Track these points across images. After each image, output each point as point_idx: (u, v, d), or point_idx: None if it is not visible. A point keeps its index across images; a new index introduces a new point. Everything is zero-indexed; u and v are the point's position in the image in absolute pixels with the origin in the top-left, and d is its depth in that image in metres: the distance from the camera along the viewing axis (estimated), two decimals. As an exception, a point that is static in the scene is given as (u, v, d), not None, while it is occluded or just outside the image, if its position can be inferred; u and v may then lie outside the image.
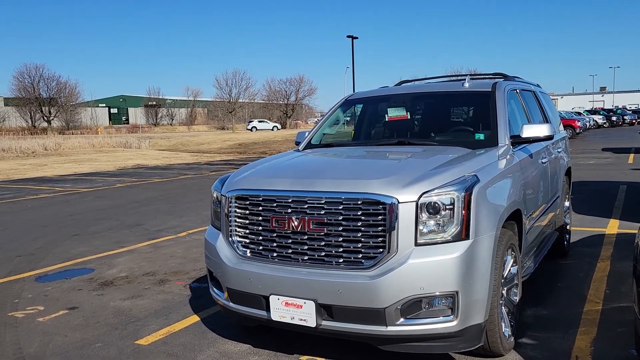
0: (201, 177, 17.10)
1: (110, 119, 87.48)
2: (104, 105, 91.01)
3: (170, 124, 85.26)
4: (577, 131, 33.48)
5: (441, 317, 3.10)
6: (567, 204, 6.19)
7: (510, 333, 3.61)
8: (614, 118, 50.55)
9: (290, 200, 3.35)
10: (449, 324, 3.09)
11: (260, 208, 3.48)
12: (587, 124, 41.09)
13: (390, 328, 3.10)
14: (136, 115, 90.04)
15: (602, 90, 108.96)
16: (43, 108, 65.99)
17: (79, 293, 5.29)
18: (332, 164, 4.17)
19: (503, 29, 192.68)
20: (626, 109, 65.96)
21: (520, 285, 3.88)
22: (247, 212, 3.55)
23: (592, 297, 4.61)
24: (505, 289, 3.64)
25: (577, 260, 5.76)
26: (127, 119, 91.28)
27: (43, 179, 17.46)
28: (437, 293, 3.06)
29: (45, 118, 66.15)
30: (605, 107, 70.53)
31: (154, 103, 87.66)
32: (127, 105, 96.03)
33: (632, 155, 18.82)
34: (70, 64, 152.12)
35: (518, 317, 3.85)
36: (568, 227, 6.21)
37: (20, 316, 4.66)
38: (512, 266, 3.71)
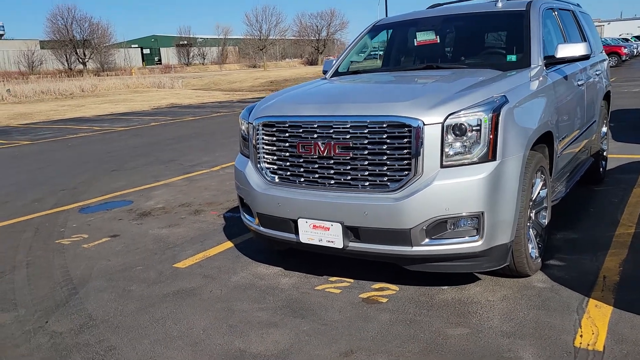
0: (233, 114, 17.19)
1: (143, 60, 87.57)
2: (137, 46, 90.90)
3: (202, 64, 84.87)
4: (623, 58, 31.86)
5: (466, 237, 3.14)
6: (604, 129, 6.00)
7: (537, 255, 3.64)
8: (664, 44, 47.57)
9: (316, 126, 3.37)
10: (474, 244, 3.13)
11: (287, 134, 3.51)
12: (635, 50, 38.90)
13: (415, 248, 3.16)
14: (168, 55, 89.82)
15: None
16: (77, 50, 66.56)
17: (120, 222, 5.54)
18: (358, 89, 4.14)
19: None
20: (679, 34, 61.85)
21: (550, 208, 3.86)
22: (274, 138, 3.59)
23: (625, 221, 4.56)
24: (534, 211, 3.63)
25: (612, 187, 5.65)
26: (160, 60, 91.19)
27: (81, 119, 17.91)
28: (463, 214, 3.08)
29: (81, 60, 66.81)
30: (656, 33, 66.21)
31: (186, 42, 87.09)
32: (159, 46, 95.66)
33: (681, 82, 17.88)
34: (101, 4, 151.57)
35: (546, 239, 3.85)
36: (605, 153, 6.05)
37: (66, 243, 4.94)
38: (541, 189, 3.68)
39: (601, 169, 5.85)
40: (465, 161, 3.10)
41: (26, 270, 4.31)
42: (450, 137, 3.09)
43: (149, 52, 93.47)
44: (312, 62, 77.46)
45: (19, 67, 64.31)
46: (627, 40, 42.63)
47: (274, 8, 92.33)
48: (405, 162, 3.13)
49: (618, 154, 7.06)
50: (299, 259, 4.13)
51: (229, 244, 4.66)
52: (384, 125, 3.16)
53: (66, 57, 67.09)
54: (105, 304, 3.60)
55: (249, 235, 4.71)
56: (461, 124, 3.08)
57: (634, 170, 6.28)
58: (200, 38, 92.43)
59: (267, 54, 79.38)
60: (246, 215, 3.99)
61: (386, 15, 36.92)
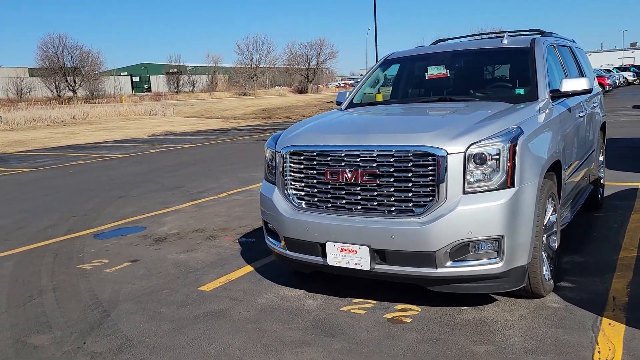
0: (230, 142, 17.42)
1: (132, 87, 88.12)
2: (126, 73, 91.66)
3: (192, 91, 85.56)
4: (607, 89, 32.81)
5: (487, 260, 3.35)
6: (601, 158, 6.31)
7: (550, 277, 3.85)
8: (644, 75, 49.10)
9: (343, 154, 3.59)
10: (495, 266, 3.34)
11: (315, 162, 3.72)
12: (617, 81, 40.13)
13: (439, 270, 3.36)
14: (158, 83, 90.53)
15: (633, 46, 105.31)
16: (68, 78, 66.81)
17: (137, 248, 5.67)
18: (380, 120, 4.39)
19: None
20: (657, 65, 63.80)
21: (559, 232, 4.09)
22: (302, 166, 3.80)
23: (627, 245, 4.80)
24: (545, 235, 3.86)
25: (611, 213, 5.92)
26: (150, 87, 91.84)
27: (78, 147, 18.00)
28: (484, 237, 3.29)
29: (70, 87, 66.99)
30: (636, 64, 68.31)
31: (175, 70, 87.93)
32: (148, 73, 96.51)
33: (664, 112, 18.50)
34: (92, 33, 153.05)
35: (557, 262, 4.07)
36: (602, 181, 6.34)
37: (88, 268, 5.06)
38: (551, 214, 3.92)
39: (599, 196, 6.12)
40: (485, 188, 3.33)
41: (53, 294, 4.42)
42: (471, 166, 3.33)
43: (138, 80, 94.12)
44: (301, 91, 78.36)
45: (7, 94, 64.32)
46: (609, 71, 43.97)
47: (265, 37, 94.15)
48: (430, 188, 3.36)
49: (613, 182, 7.36)
50: (321, 282, 4.29)
51: (249, 268, 4.81)
52: (410, 154, 3.39)
53: (56, 84, 67.26)
54: (139, 325, 3.73)
55: (268, 259, 4.88)
56: (482, 153, 3.32)
57: (629, 197, 6.58)
58: (190, 66, 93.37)
59: (257, 82, 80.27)
60: (271, 239, 4.16)
61: (375, 46, 37.78)
